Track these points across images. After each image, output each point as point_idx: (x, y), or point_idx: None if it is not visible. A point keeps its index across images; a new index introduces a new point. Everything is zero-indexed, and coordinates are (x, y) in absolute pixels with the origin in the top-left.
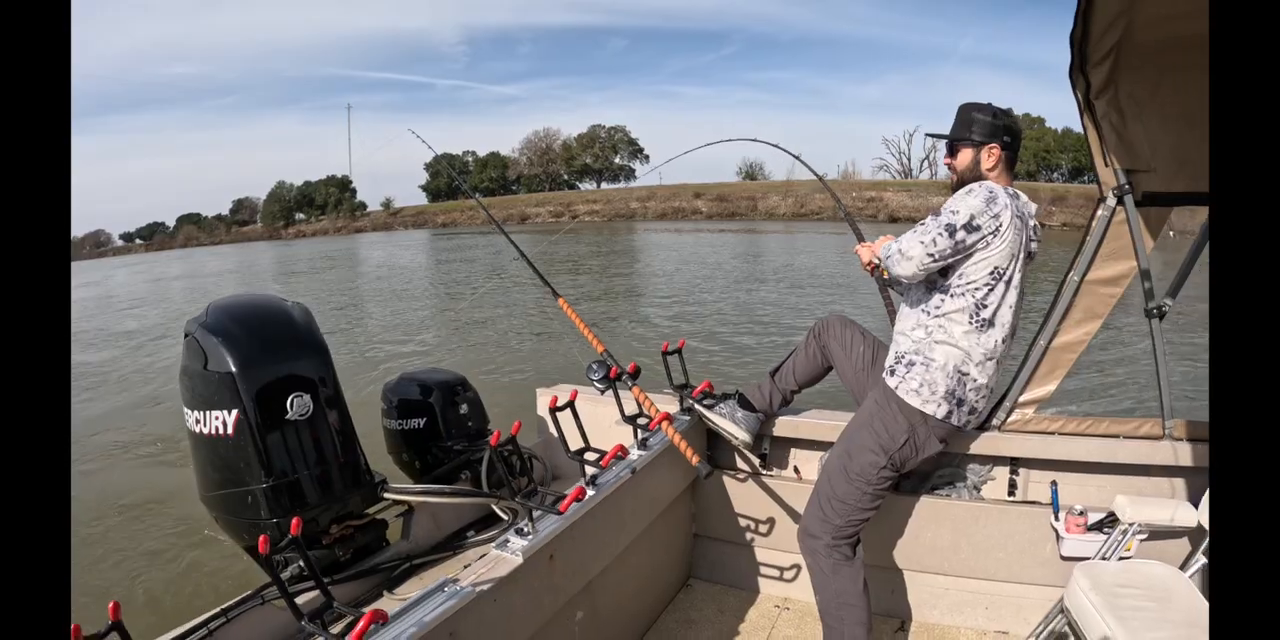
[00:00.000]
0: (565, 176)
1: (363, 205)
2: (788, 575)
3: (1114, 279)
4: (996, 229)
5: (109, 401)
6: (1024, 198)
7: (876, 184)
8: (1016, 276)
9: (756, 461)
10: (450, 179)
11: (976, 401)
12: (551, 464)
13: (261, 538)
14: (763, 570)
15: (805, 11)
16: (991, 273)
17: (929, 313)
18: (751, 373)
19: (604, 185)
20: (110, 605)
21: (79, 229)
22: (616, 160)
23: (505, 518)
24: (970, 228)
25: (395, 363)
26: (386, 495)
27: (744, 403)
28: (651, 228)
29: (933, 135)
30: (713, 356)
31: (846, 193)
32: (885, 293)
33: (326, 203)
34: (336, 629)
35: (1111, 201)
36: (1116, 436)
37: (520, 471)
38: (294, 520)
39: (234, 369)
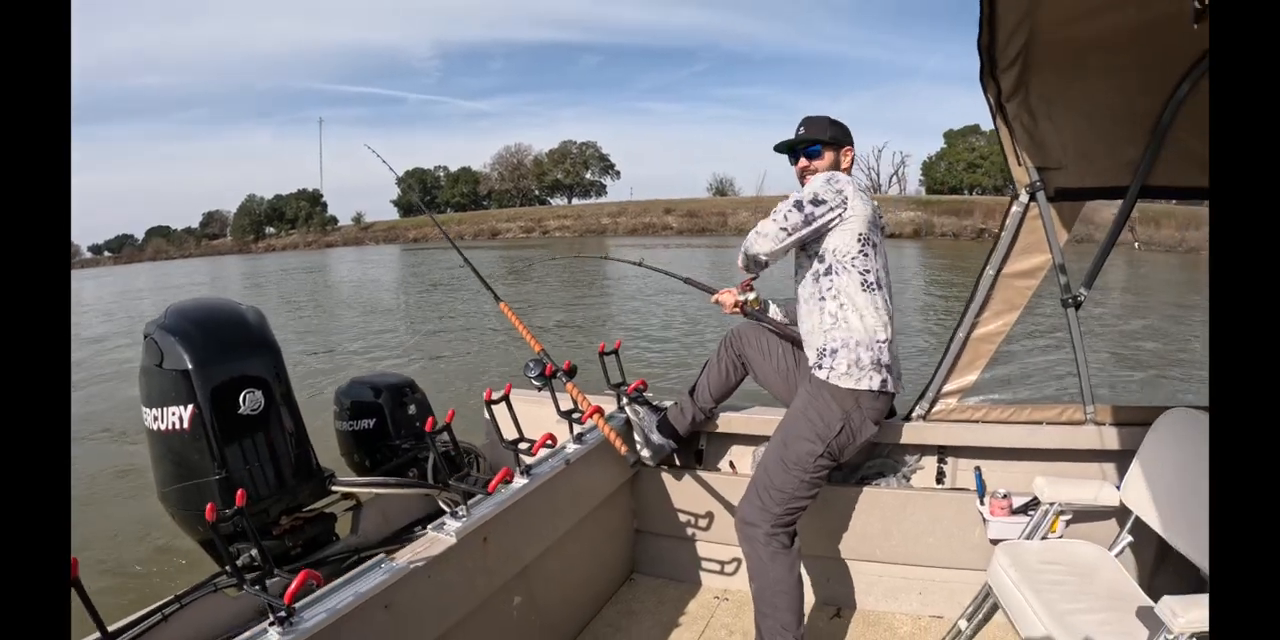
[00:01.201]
0: (537, 192)
1: (333, 219)
2: (728, 568)
3: (1029, 271)
4: (843, 201)
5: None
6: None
7: None
8: (879, 240)
9: (693, 457)
10: (418, 194)
11: (894, 362)
12: (495, 462)
13: (209, 505)
14: (703, 564)
15: (777, 29)
16: (859, 240)
17: (825, 298)
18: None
19: (575, 200)
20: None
21: None
22: (588, 176)
23: (449, 511)
24: (815, 202)
25: (349, 371)
26: (335, 488)
27: (665, 426)
28: (622, 243)
29: (787, 142)
30: (657, 356)
31: None
32: (763, 320)
33: (297, 217)
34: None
35: (1024, 198)
36: (1039, 423)
37: (466, 465)
38: (239, 492)
39: (190, 366)
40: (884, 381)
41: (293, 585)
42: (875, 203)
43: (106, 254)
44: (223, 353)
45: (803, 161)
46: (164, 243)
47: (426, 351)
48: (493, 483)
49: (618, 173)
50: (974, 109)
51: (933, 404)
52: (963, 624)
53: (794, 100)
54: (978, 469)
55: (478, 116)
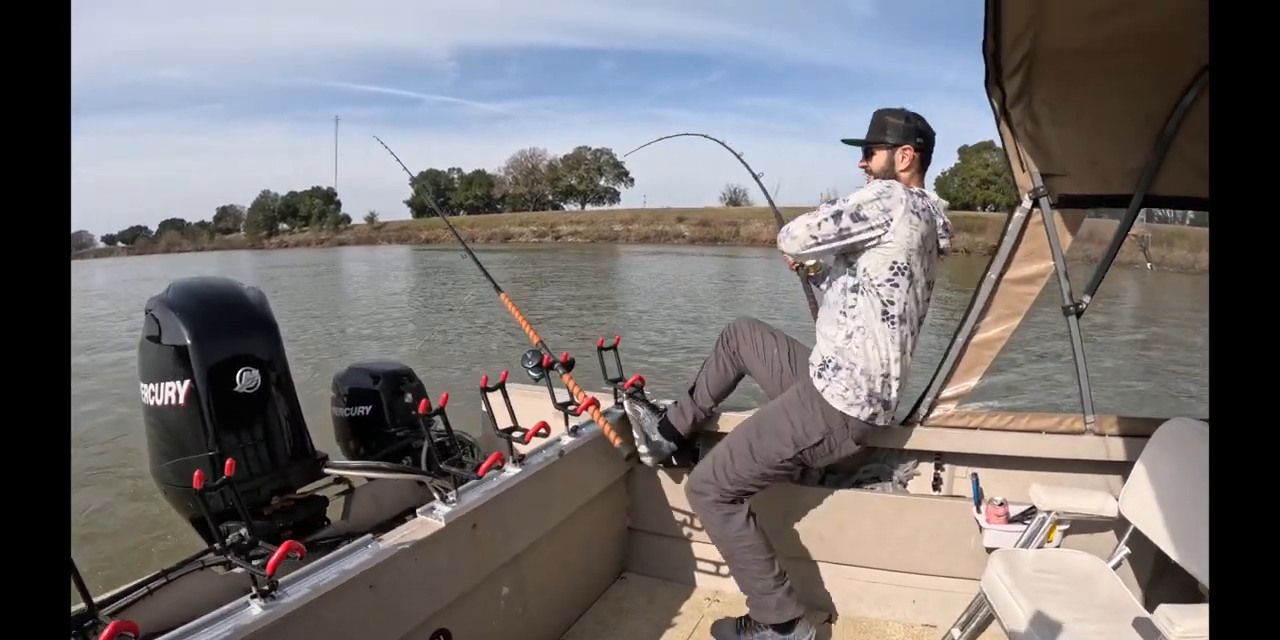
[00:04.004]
0: (550, 197)
1: (347, 218)
2: (722, 569)
3: (1031, 278)
4: (886, 222)
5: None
6: (933, 196)
7: None
8: (918, 271)
9: (690, 456)
10: (432, 194)
11: (897, 399)
12: (489, 452)
13: (197, 472)
14: (697, 564)
15: (794, 40)
16: (891, 267)
17: (845, 313)
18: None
19: (588, 206)
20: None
21: None
22: (602, 182)
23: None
24: (856, 217)
25: (351, 357)
26: (327, 470)
27: (666, 427)
28: (634, 250)
29: (849, 141)
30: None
31: None
32: (808, 289)
33: (310, 214)
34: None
35: (1027, 203)
36: (1039, 431)
37: (460, 454)
38: (228, 461)
39: (188, 341)
40: (874, 415)
41: (275, 555)
42: (943, 221)
43: (120, 244)
44: (221, 330)
45: (862, 161)
46: (178, 235)
47: (426, 337)
48: (483, 466)
49: (631, 180)
50: (989, 125)
51: (931, 409)
52: (956, 632)
53: (810, 111)
54: (975, 476)
55: (493, 119)
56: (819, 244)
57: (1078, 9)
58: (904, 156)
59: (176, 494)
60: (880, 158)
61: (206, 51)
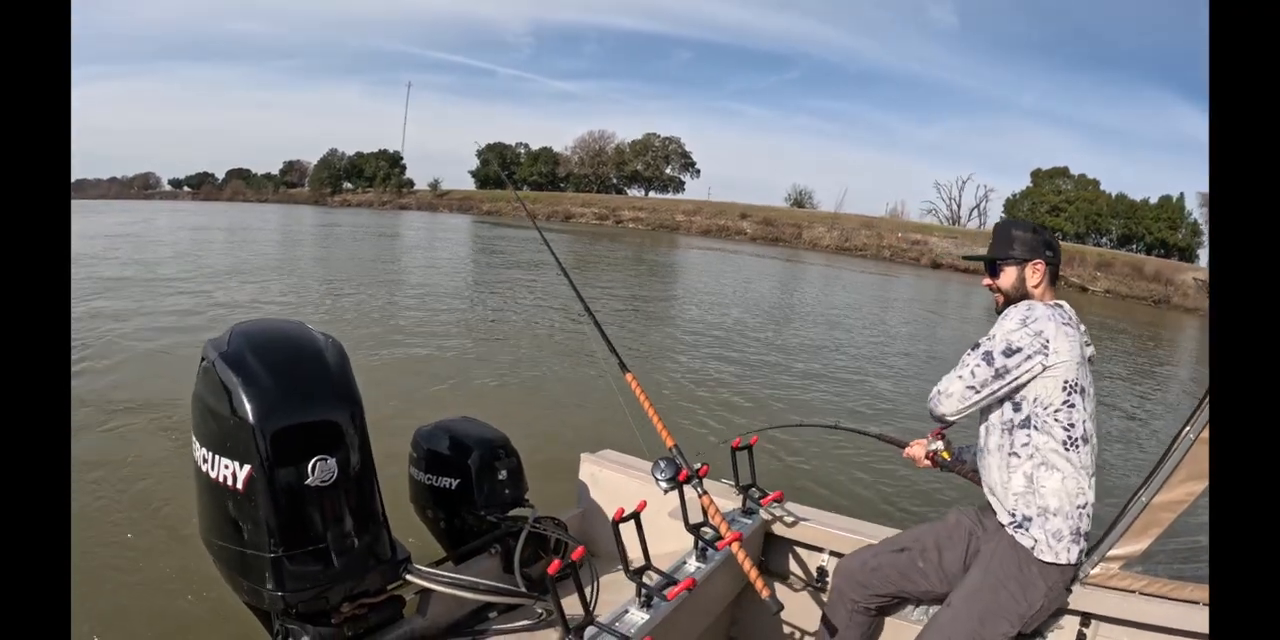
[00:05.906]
0: (614, 180)
1: (410, 182)
2: None
3: None
4: (1043, 346)
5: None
6: (1066, 306)
7: (922, 227)
8: (1087, 384)
9: (814, 572)
10: (503, 173)
11: (1090, 523)
12: (588, 537)
13: None
14: None
15: (873, 45)
16: (1065, 388)
17: (1017, 454)
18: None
19: (652, 194)
20: None
21: (130, 169)
22: (668, 171)
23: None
24: (1009, 351)
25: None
26: (409, 577)
27: None
28: (694, 244)
29: (971, 258)
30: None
31: (893, 232)
32: (956, 469)
33: (375, 175)
34: None
35: None
36: (1197, 603)
37: (555, 550)
38: None
39: (252, 420)
40: (1080, 551)
41: None
42: (1083, 330)
43: (186, 189)
44: (295, 407)
45: (986, 279)
46: (243, 184)
47: (494, 340)
48: None
49: (698, 171)
50: (1065, 151)
51: (1093, 567)
52: None
53: (884, 119)
54: None
55: (564, 98)
56: (979, 393)
57: None
58: (1035, 271)
59: (228, 576)
60: (1009, 274)
61: (287, 9)
